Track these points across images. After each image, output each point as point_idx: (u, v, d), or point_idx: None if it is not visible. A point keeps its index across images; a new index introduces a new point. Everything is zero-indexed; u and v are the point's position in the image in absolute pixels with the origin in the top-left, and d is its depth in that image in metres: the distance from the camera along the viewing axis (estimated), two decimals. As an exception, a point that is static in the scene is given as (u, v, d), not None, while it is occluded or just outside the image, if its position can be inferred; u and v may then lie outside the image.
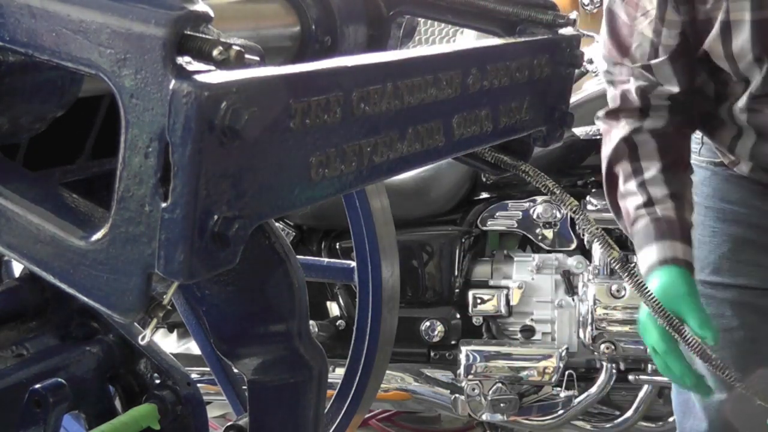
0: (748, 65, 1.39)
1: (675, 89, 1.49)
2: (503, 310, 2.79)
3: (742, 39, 1.36)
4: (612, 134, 1.54)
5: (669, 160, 1.50)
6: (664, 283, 1.39)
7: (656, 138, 1.50)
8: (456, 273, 2.86)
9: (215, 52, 0.60)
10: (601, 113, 1.58)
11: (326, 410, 1.67)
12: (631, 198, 1.50)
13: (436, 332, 2.84)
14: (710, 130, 1.57)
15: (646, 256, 1.44)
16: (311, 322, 2.14)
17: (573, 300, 2.76)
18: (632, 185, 1.49)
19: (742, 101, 1.44)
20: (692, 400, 1.68)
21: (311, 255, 2.83)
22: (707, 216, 1.62)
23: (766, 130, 1.46)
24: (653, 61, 1.48)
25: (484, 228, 2.86)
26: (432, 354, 2.86)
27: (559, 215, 2.80)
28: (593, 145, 2.69)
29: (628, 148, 1.51)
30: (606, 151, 1.55)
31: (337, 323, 2.89)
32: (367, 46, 0.96)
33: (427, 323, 2.84)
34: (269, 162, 0.65)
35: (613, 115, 1.55)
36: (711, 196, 1.62)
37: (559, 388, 2.73)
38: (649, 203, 1.47)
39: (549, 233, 2.82)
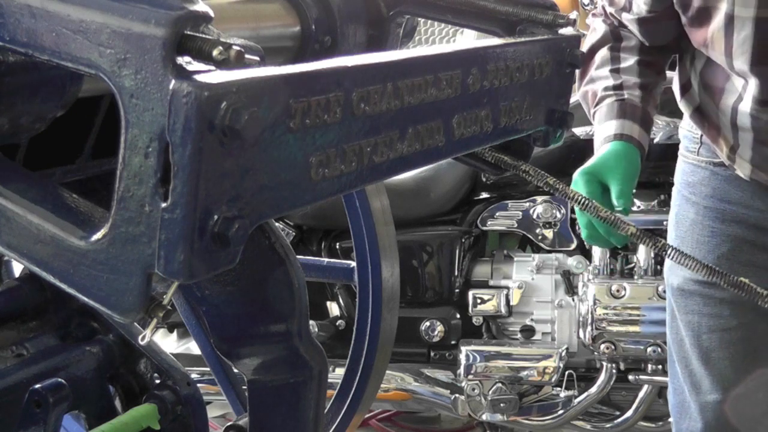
0: (742, 66, 1.38)
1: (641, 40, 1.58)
2: (503, 310, 2.79)
3: (743, 35, 1.35)
4: (598, 25, 1.63)
5: (647, 58, 1.58)
6: (609, 151, 1.47)
7: (639, 41, 1.59)
8: (456, 273, 2.86)
9: (215, 52, 0.60)
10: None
11: (326, 410, 1.67)
12: (601, 81, 1.57)
13: (436, 332, 2.84)
14: (709, 131, 1.57)
15: (605, 129, 1.52)
16: (311, 322, 2.14)
17: (573, 300, 2.76)
18: (605, 71, 1.58)
19: (746, 104, 1.44)
20: (688, 401, 1.68)
21: (311, 255, 2.83)
22: (706, 216, 1.62)
23: (766, 134, 1.46)
24: (624, 15, 1.55)
25: (484, 228, 2.86)
26: (432, 354, 2.86)
27: (559, 215, 2.80)
28: (593, 145, 2.69)
29: (613, 38, 1.60)
30: (591, 38, 1.62)
31: (337, 323, 2.89)
32: (367, 46, 0.96)
33: (427, 323, 2.84)
34: (269, 162, 0.65)
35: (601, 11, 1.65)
36: (710, 197, 1.61)
37: (559, 388, 2.73)
38: (618, 87, 1.55)
39: (549, 233, 2.82)
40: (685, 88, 1.60)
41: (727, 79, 1.46)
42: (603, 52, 1.59)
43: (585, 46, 1.62)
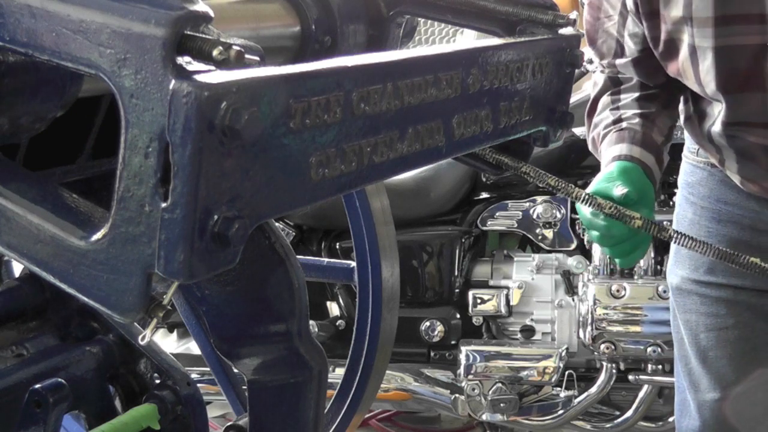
0: (713, 92, 1.39)
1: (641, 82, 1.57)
2: (503, 310, 2.79)
3: (706, 65, 1.37)
4: (598, 78, 1.63)
5: (648, 92, 1.56)
6: (611, 170, 1.44)
7: (640, 82, 1.58)
8: (456, 273, 2.86)
9: (215, 52, 0.60)
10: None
11: (326, 410, 1.67)
12: (602, 123, 1.56)
13: (436, 332, 2.84)
14: (700, 145, 1.58)
15: (606, 155, 1.50)
16: (311, 322, 2.14)
17: (573, 300, 2.76)
18: (606, 113, 1.57)
19: (717, 126, 1.45)
20: (688, 400, 1.69)
21: (311, 255, 2.83)
22: (703, 216, 1.62)
23: (746, 152, 1.47)
24: (618, 61, 1.54)
25: (484, 228, 2.87)
26: (432, 354, 2.87)
27: (559, 215, 2.80)
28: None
29: (613, 84, 1.59)
30: (593, 92, 1.62)
31: (337, 323, 2.90)
32: (367, 46, 0.96)
33: (427, 323, 2.84)
34: (269, 162, 0.65)
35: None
36: (707, 197, 1.62)
37: (559, 388, 2.73)
38: (617, 120, 1.53)
39: (549, 233, 2.82)
40: (685, 101, 1.61)
41: (709, 103, 1.48)
42: (604, 99, 1.59)
43: (591, 97, 1.62)
